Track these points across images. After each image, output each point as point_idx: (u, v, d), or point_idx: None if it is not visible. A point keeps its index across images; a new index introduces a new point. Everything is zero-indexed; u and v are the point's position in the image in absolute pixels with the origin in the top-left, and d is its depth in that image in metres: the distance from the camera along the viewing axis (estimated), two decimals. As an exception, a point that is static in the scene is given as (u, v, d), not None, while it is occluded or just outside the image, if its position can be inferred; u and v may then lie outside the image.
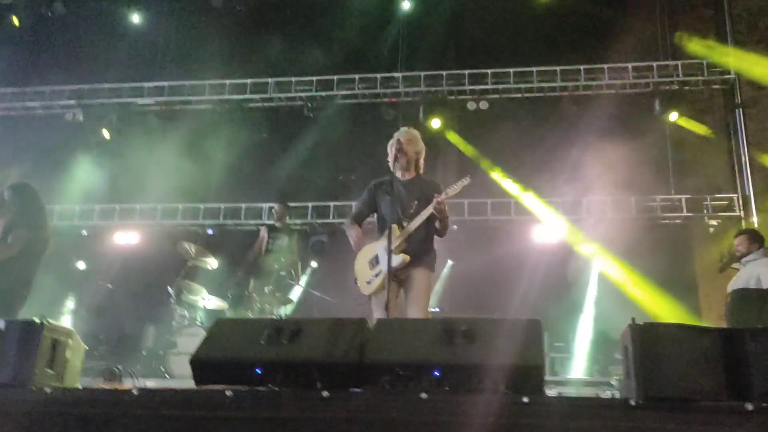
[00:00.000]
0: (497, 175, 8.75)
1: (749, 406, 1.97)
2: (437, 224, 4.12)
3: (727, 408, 2.01)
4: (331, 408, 2.19)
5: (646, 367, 2.03)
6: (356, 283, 4.22)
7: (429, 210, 3.99)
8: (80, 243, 9.80)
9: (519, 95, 9.24)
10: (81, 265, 9.60)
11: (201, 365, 2.74)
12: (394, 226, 3.98)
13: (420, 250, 4.09)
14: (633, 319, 2.15)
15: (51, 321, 2.54)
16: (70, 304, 8.75)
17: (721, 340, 2.17)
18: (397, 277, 4.02)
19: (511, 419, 2.02)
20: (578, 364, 7.67)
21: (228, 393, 2.29)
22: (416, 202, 4.11)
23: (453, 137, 9.11)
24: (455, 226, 8.62)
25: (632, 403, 2.00)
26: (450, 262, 8.30)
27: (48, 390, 2.40)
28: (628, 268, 7.96)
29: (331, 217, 9.29)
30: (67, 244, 9.72)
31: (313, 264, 8.84)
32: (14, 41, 10.08)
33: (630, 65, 8.89)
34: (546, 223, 8.56)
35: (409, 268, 4.04)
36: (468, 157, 8.97)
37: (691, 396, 1.98)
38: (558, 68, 9.05)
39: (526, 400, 2.06)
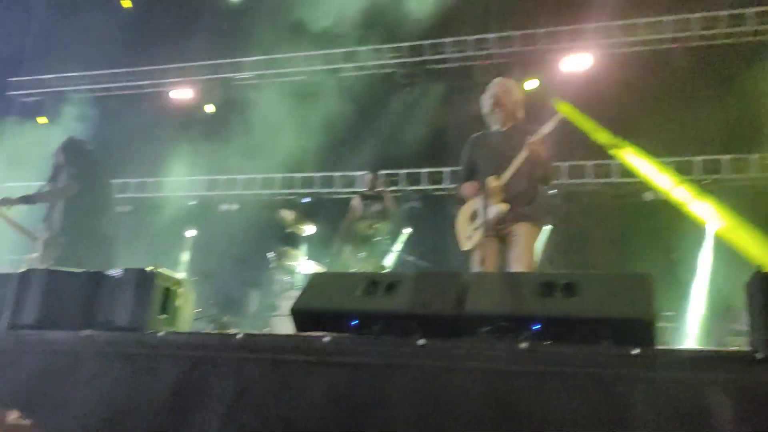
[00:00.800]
0: (600, 137, 8.30)
1: None
2: (546, 167, 3.90)
3: None
4: (428, 356, 2.17)
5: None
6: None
7: (522, 155, 3.79)
8: (189, 212, 10.37)
9: (626, 49, 8.67)
10: (190, 232, 10.18)
11: (301, 315, 2.80)
12: (491, 178, 3.85)
13: (521, 201, 3.90)
14: (759, 268, 1.97)
15: (162, 270, 2.68)
16: (181, 269, 9.29)
17: None
18: (498, 233, 3.90)
19: (617, 370, 1.91)
20: (690, 336, 7.25)
21: (325, 339, 2.32)
22: (514, 151, 3.89)
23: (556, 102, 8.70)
24: (554, 191, 8.34)
25: (758, 356, 1.83)
26: (547, 227, 8.03)
27: (161, 333, 2.54)
28: (749, 231, 7.35)
29: (423, 183, 9.25)
30: (177, 213, 10.34)
31: (407, 230, 8.86)
32: (125, 24, 10.64)
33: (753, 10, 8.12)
34: (653, 184, 8.07)
35: (509, 223, 3.87)
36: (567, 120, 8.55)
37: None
38: (671, 17, 8.40)
39: (636, 351, 1.94)
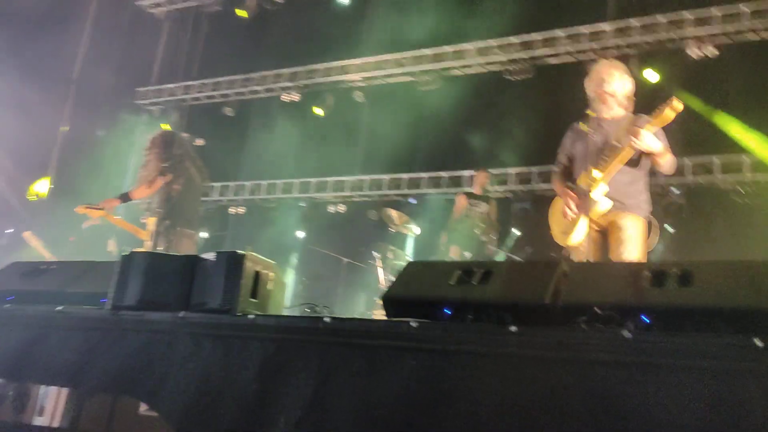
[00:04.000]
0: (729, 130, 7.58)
1: None
2: (657, 159, 3.57)
3: None
4: (520, 344, 2.02)
5: None
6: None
7: (626, 148, 3.49)
8: (300, 214, 10.68)
9: (757, 37, 7.89)
10: (300, 233, 10.48)
11: (392, 303, 2.72)
12: (591, 169, 3.60)
13: (623, 193, 3.61)
14: None
15: (254, 253, 2.70)
16: (292, 270, 9.57)
17: None
18: (600, 226, 3.65)
19: (739, 363, 1.66)
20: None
21: (413, 324, 2.23)
22: (620, 141, 3.58)
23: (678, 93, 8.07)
24: (676, 190, 7.74)
25: None
26: (516, 231, 7.65)
27: (251, 316, 2.56)
28: None
29: (534, 182, 8.91)
30: (289, 215, 10.69)
31: (516, 232, 8.58)
32: (241, 32, 11.17)
33: None
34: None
35: (610, 215, 3.61)
36: (693, 111, 7.90)
37: None
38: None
39: (759, 343, 1.68)
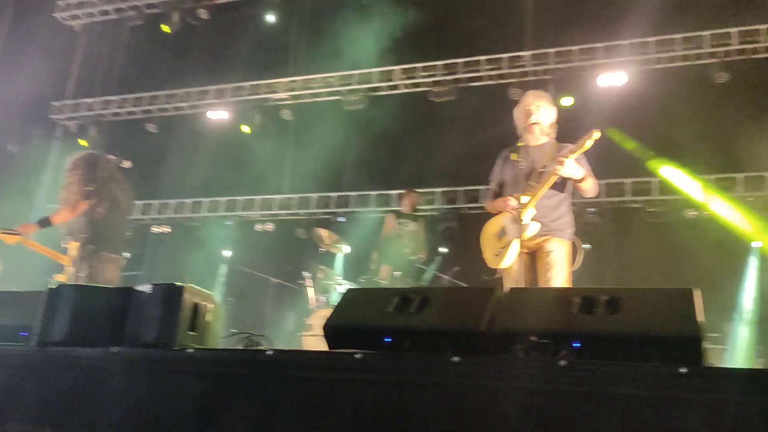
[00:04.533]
0: (637, 154, 8.09)
1: None
2: (579, 185, 3.79)
3: None
4: (461, 373, 2.08)
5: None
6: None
7: (553, 173, 3.69)
8: (225, 233, 10.47)
9: (661, 65, 8.49)
10: (227, 252, 10.28)
11: (333, 331, 2.74)
12: (520, 195, 3.76)
13: (550, 217, 3.81)
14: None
15: (192, 285, 2.65)
16: (218, 290, 9.36)
17: None
18: (529, 248, 3.81)
19: (666, 392, 1.79)
20: (737, 357, 6.94)
21: (357, 356, 2.25)
22: (546, 166, 3.81)
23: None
24: (592, 209, 8.16)
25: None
26: (443, 249, 8.02)
27: (189, 350, 2.50)
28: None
29: (459, 202, 9.15)
30: (214, 234, 10.46)
31: (443, 250, 8.76)
32: (165, 48, 10.90)
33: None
34: (693, 201, 7.82)
35: (538, 239, 3.79)
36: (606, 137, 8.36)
37: None
38: (707, 33, 8.21)
39: (684, 370, 1.81)
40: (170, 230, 10.64)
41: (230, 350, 2.59)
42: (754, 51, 8.03)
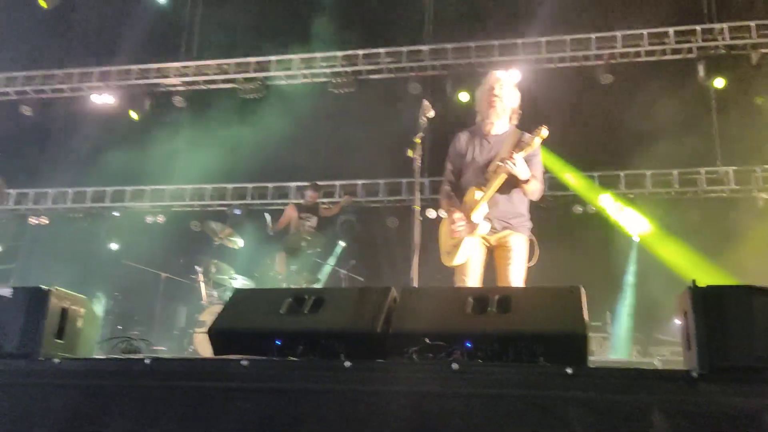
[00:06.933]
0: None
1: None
2: (523, 186, 3.64)
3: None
4: (354, 379, 2.01)
5: (712, 334, 1.78)
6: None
7: (504, 170, 3.55)
8: (113, 224, 9.88)
9: (552, 65, 8.83)
10: (114, 246, 9.70)
11: (220, 336, 2.59)
12: (474, 188, 3.65)
13: (509, 213, 3.70)
14: (694, 282, 1.90)
15: (60, 289, 2.40)
16: (104, 285, 8.80)
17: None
18: (489, 243, 3.71)
19: (552, 391, 1.80)
20: (617, 345, 7.38)
21: (243, 363, 2.12)
22: (504, 159, 3.59)
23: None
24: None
25: (694, 374, 1.76)
26: (342, 243, 8.15)
27: (56, 360, 2.27)
28: (671, 245, 7.59)
29: (360, 196, 9.12)
30: (100, 225, 9.83)
31: (342, 243, 8.70)
32: (42, 24, 10.05)
33: (671, 30, 8.42)
34: (581, 198, 8.24)
35: (499, 234, 3.69)
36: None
37: (764, 365, 1.74)
38: (593, 35, 8.62)
39: (569, 370, 1.83)
40: (48, 222, 9.87)
41: (103, 360, 2.37)
42: (637, 54, 8.52)
